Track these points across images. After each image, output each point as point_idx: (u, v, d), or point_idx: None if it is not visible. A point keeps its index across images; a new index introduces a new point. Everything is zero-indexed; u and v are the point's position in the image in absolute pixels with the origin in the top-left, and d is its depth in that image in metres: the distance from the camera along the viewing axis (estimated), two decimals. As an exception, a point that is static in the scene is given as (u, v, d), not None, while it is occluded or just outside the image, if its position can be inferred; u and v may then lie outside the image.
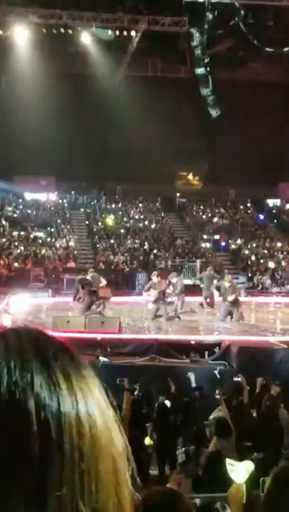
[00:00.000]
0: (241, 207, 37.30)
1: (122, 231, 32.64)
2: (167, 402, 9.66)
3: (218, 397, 8.86)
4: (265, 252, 31.16)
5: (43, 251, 29.07)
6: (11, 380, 0.63)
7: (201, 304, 18.11)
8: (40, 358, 0.65)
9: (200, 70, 31.47)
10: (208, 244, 31.80)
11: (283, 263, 29.60)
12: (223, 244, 31.82)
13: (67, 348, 0.69)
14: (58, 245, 30.19)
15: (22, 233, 31.05)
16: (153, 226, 33.80)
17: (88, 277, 17.16)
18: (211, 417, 9.08)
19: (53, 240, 30.81)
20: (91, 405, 0.66)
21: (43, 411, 0.62)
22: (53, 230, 32.00)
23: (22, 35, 28.61)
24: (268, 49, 28.96)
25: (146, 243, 31.18)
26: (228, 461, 3.58)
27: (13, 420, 0.61)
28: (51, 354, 0.66)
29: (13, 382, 0.62)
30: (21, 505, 0.60)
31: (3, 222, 32.16)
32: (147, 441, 8.45)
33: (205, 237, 32.58)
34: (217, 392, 9.08)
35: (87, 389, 0.67)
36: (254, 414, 9.26)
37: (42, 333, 0.69)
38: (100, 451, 0.65)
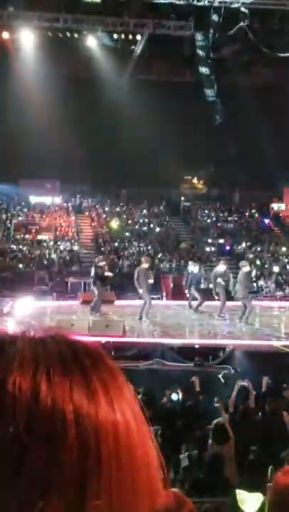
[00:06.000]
0: (246, 211, 37.25)
1: (127, 234, 32.64)
2: (175, 396, 9.65)
3: (216, 405, 8.79)
4: (270, 256, 31.10)
5: (48, 254, 29.10)
6: (50, 387, 0.62)
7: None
8: (78, 366, 0.65)
9: (205, 74, 31.50)
10: (212, 248, 31.77)
11: (288, 267, 29.55)
12: (227, 248, 31.79)
13: (103, 356, 0.69)
14: (62, 248, 30.21)
15: (27, 236, 31.10)
16: (157, 230, 33.79)
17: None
18: (215, 421, 9.06)
19: (58, 243, 30.83)
20: (127, 414, 0.66)
21: (81, 419, 0.62)
22: (57, 233, 32.03)
23: (28, 38, 28.70)
24: (273, 53, 28.94)
25: (150, 247, 31.17)
26: (238, 491, 3.50)
27: (51, 428, 0.60)
28: (89, 362, 0.66)
29: (52, 390, 0.62)
30: None
31: (8, 225, 32.23)
32: None
33: (209, 241, 32.55)
34: (216, 400, 9.01)
35: (123, 398, 0.66)
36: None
37: (78, 340, 0.69)
38: (136, 461, 0.65)
